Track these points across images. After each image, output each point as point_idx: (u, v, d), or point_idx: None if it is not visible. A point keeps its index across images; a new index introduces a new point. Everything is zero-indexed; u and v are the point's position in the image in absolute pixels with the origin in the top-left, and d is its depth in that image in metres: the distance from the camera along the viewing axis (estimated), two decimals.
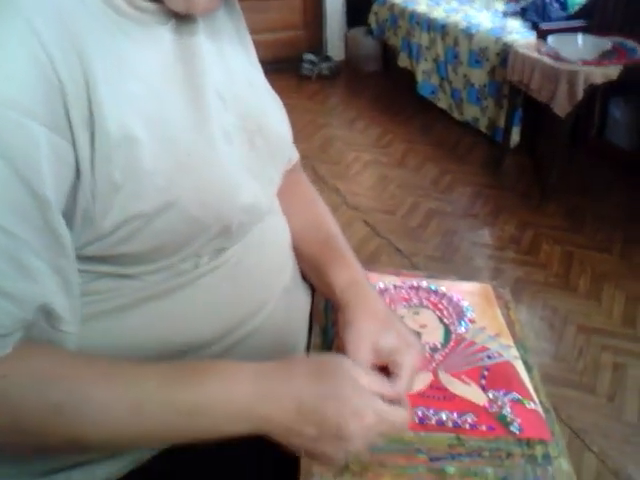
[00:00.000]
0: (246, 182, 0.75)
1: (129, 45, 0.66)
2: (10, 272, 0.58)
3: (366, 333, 0.76)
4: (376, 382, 0.69)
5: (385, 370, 0.76)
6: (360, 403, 0.65)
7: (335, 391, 0.65)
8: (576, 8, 3.33)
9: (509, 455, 0.73)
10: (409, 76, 4.15)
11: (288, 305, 0.88)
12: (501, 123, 3.33)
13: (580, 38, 2.87)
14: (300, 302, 0.93)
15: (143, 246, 0.67)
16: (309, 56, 4.73)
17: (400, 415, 0.68)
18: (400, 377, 0.74)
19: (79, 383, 0.62)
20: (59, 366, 0.63)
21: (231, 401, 0.64)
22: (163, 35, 0.70)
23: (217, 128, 0.72)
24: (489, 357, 0.88)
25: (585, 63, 2.71)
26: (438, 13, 3.86)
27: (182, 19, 0.72)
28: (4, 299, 0.58)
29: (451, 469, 0.71)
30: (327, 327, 0.92)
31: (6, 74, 0.55)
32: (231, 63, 0.80)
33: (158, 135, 0.65)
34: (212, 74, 0.74)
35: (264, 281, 0.83)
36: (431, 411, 0.78)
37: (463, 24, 3.61)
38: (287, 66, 4.80)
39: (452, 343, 0.90)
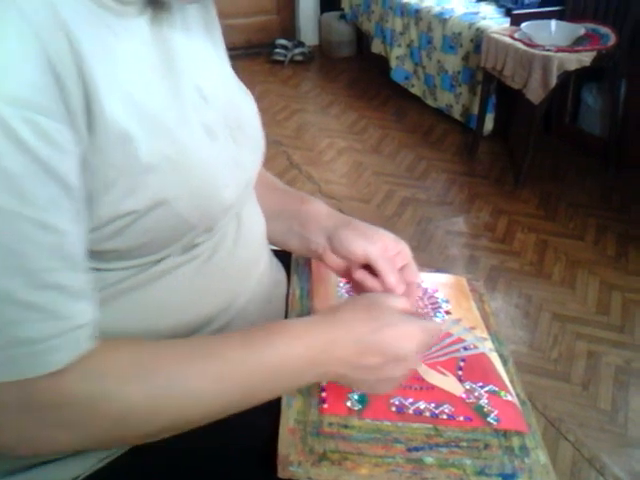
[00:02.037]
0: (232, 180, 0.75)
1: (113, 39, 0.63)
2: (65, 267, 0.57)
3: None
4: (405, 303, 0.78)
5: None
6: (408, 326, 0.74)
7: (385, 321, 0.73)
8: None
9: (486, 446, 0.73)
10: (383, 61, 4.13)
11: (264, 294, 0.88)
12: (475, 110, 3.32)
13: (553, 24, 2.87)
14: (276, 290, 0.94)
15: (128, 243, 0.66)
16: (282, 41, 4.68)
17: (434, 324, 0.82)
18: (383, 273, 0.84)
19: (175, 365, 0.65)
20: (150, 354, 0.66)
21: (304, 353, 0.69)
22: (142, 27, 0.68)
23: (200, 125, 0.72)
24: (465, 349, 0.88)
25: (559, 49, 2.70)
26: None
27: (158, 9, 0.69)
28: (72, 297, 0.58)
29: (429, 459, 0.71)
30: (302, 313, 0.91)
31: (12, 71, 0.52)
32: (204, 57, 0.79)
33: (151, 131, 0.64)
34: (190, 69, 0.73)
35: (239, 271, 0.82)
36: (409, 401, 0.78)
37: (436, 9, 3.59)
38: (260, 51, 4.77)
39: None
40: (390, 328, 0.72)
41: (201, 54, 0.78)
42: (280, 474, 0.68)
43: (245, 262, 0.84)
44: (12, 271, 0.54)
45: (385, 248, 0.87)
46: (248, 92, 0.87)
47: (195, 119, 0.71)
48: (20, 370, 0.56)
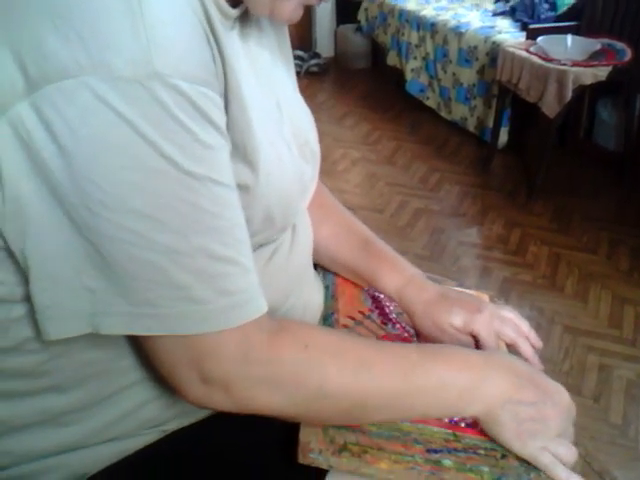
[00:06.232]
0: (299, 192, 0.80)
1: (227, 41, 0.65)
2: (241, 223, 0.63)
3: (440, 323, 0.88)
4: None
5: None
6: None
7: (539, 372, 0.77)
8: (565, 8, 3.33)
9: (504, 456, 0.73)
10: (398, 73, 4.15)
11: (306, 299, 0.89)
12: (489, 123, 3.33)
13: (569, 39, 2.87)
14: (314, 297, 0.95)
15: None
16: (298, 52, 4.70)
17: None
18: (483, 344, 0.85)
19: (362, 351, 0.71)
20: (343, 338, 0.74)
21: (467, 378, 0.72)
22: (236, 41, 0.70)
23: (282, 139, 0.75)
24: None
25: (574, 64, 2.71)
26: (428, 11, 3.86)
27: (243, 25, 0.72)
28: (250, 251, 0.64)
29: (448, 462, 0.71)
30: (327, 314, 0.91)
31: (189, 51, 0.56)
32: (278, 73, 0.82)
33: (265, 135, 0.68)
34: (270, 84, 0.76)
35: (291, 276, 0.84)
36: None
37: (452, 23, 3.61)
38: None
39: None
40: (542, 377, 0.76)
41: (276, 70, 0.81)
42: (300, 460, 0.69)
43: (297, 268, 0.86)
44: (210, 231, 0.59)
45: (486, 320, 0.87)
46: (312, 117, 0.90)
47: (278, 132, 0.74)
48: (237, 316, 0.61)
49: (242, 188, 0.65)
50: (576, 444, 0.75)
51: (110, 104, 0.52)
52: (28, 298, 0.59)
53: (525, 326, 0.89)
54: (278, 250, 0.80)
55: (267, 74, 0.77)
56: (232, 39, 0.68)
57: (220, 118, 0.59)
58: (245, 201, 0.65)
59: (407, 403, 0.72)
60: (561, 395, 0.75)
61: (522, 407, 0.72)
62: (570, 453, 0.72)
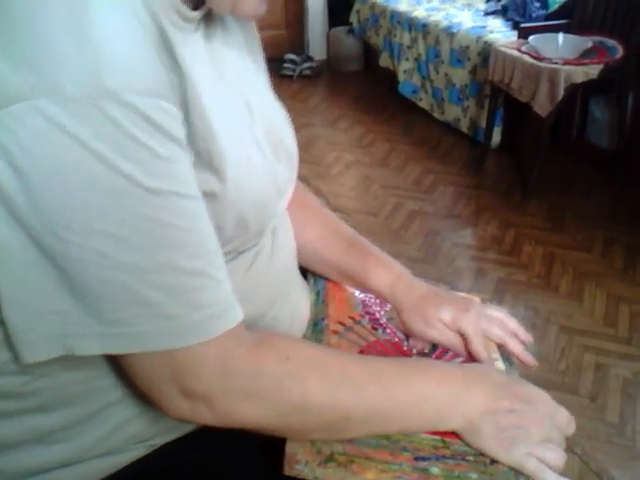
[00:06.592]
0: (273, 195, 0.78)
1: (185, 48, 0.63)
2: (210, 233, 0.63)
3: (428, 319, 0.89)
4: None
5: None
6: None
7: (518, 381, 0.78)
8: (556, 7, 3.34)
9: (493, 462, 0.73)
10: (391, 75, 4.15)
11: (292, 305, 0.89)
12: (482, 123, 3.33)
13: (561, 37, 2.87)
14: (302, 302, 0.94)
15: None
16: (290, 56, 4.71)
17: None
18: (470, 341, 0.86)
19: (344, 365, 0.71)
20: (326, 352, 0.75)
21: (446, 392, 0.73)
22: (199, 42, 0.69)
23: (252, 140, 0.74)
24: None
25: (566, 62, 2.71)
26: (419, 12, 3.86)
27: (208, 25, 0.71)
28: (221, 261, 0.63)
29: (435, 469, 0.70)
30: (317, 320, 0.91)
31: (140, 65, 0.55)
32: (247, 73, 0.80)
33: (231, 139, 0.67)
34: (238, 84, 0.74)
35: (273, 282, 0.84)
36: None
37: (444, 23, 3.61)
38: (269, 66, 4.70)
39: (439, 351, 0.90)
40: (522, 382, 0.78)
41: (244, 69, 0.80)
42: (286, 471, 0.69)
43: (280, 272, 0.85)
44: (177, 245, 0.58)
45: (474, 319, 0.89)
46: (286, 114, 0.89)
47: (248, 134, 0.73)
48: (213, 329, 0.61)
49: (210, 196, 0.64)
50: (573, 444, 0.75)
51: (62, 126, 0.51)
52: (3, 322, 0.59)
53: (513, 323, 0.91)
54: (259, 255, 0.79)
55: (235, 74, 0.75)
56: (192, 43, 0.66)
57: (178, 129, 0.58)
58: (214, 209, 0.65)
59: (388, 417, 0.72)
60: (543, 402, 0.75)
61: (501, 416, 0.72)
62: (558, 457, 0.72)
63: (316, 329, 0.89)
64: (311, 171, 3.34)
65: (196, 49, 0.67)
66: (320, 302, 0.94)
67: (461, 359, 0.88)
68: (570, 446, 1.74)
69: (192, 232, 0.59)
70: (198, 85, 0.62)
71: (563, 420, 0.75)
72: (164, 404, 0.64)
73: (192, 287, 0.59)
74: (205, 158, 0.63)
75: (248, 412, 0.65)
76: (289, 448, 0.70)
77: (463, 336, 0.87)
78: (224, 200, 0.66)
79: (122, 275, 0.56)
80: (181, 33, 0.63)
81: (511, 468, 0.72)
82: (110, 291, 0.56)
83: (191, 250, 0.59)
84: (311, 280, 0.99)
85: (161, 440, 0.75)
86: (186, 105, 0.60)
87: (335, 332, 0.89)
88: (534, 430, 0.72)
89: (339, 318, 0.91)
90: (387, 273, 0.93)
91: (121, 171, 0.53)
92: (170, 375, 0.62)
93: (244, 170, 0.69)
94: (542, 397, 0.76)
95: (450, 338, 0.88)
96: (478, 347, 0.86)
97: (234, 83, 0.74)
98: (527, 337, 0.92)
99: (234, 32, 0.79)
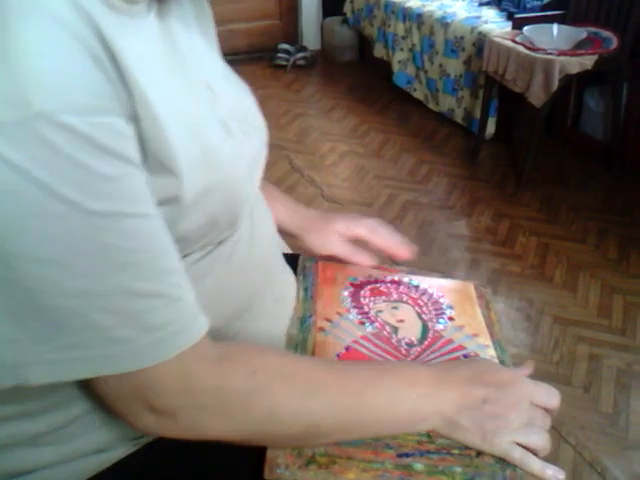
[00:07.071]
0: (248, 174, 0.77)
1: (130, 40, 0.60)
2: (166, 251, 0.61)
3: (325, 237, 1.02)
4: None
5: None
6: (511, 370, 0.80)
7: (489, 368, 0.78)
8: None
9: (479, 454, 0.72)
10: (385, 66, 4.13)
11: (276, 295, 0.88)
12: (477, 114, 3.32)
13: (555, 28, 2.87)
14: (286, 291, 0.93)
15: None
16: (284, 46, 4.68)
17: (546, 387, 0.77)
18: (369, 241, 1.01)
19: (313, 373, 0.70)
20: (293, 360, 0.73)
21: (417, 393, 0.72)
22: (152, 24, 0.66)
23: (216, 120, 0.71)
24: (465, 356, 0.87)
25: (561, 53, 2.71)
26: (413, 2, 3.84)
27: (162, 3, 0.68)
28: (179, 277, 0.62)
29: (419, 466, 0.70)
30: (304, 317, 0.91)
31: (70, 80, 0.51)
32: (203, 51, 0.78)
33: (186, 132, 0.64)
34: (197, 63, 0.72)
35: (255, 270, 0.83)
36: None
37: (438, 13, 3.60)
38: (262, 55, 4.77)
39: (429, 340, 0.89)
40: (494, 370, 0.78)
41: (200, 48, 0.77)
42: (267, 476, 0.69)
43: (263, 259, 0.84)
44: (125, 268, 0.56)
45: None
46: (247, 87, 0.87)
47: (211, 115, 0.71)
48: (167, 350, 0.60)
49: (173, 201, 0.62)
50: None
51: None
52: None
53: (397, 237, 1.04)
54: (238, 243, 0.78)
55: (192, 52, 0.73)
56: (137, 30, 0.62)
57: (123, 145, 0.55)
58: (179, 212, 0.63)
59: (360, 422, 0.71)
60: (516, 384, 0.74)
61: (477, 408, 0.72)
62: (542, 440, 0.72)
63: (303, 327, 0.89)
64: (305, 161, 3.33)
65: (143, 35, 0.64)
66: (309, 298, 0.94)
67: (451, 347, 0.88)
68: (564, 437, 1.75)
69: (141, 252, 0.57)
70: (146, 84, 0.58)
71: (542, 396, 0.75)
72: (130, 419, 0.63)
73: (143, 309, 0.58)
74: (160, 160, 0.60)
75: (215, 427, 0.65)
76: (270, 452, 0.70)
77: (361, 241, 1.00)
78: (187, 199, 0.64)
79: (71, 301, 0.54)
80: (121, 21, 0.59)
81: (497, 459, 0.72)
82: (60, 317, 0.55)
83: (141, 272, 0.57)
84: (300, 276, 0.98)
85: (148, 437, 0.75)
86: (135, 112, 0.57)
87: (321, 329, 0.88)
88: (513, 416, 0.72)
89: (326, 314, 0.91)
90: (285, 208, 1.04)
91: (59, 196, 0.51)
92: (132, 394, 0.61)
93: (200, 163, 0.65)
94: (515, 378, 0.75)
95: (348, 248, 1.01)
96: (379, 244, 1.01)
97: (193, 61, 0.72)
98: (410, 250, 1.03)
99: (187, 10, 0.77)
